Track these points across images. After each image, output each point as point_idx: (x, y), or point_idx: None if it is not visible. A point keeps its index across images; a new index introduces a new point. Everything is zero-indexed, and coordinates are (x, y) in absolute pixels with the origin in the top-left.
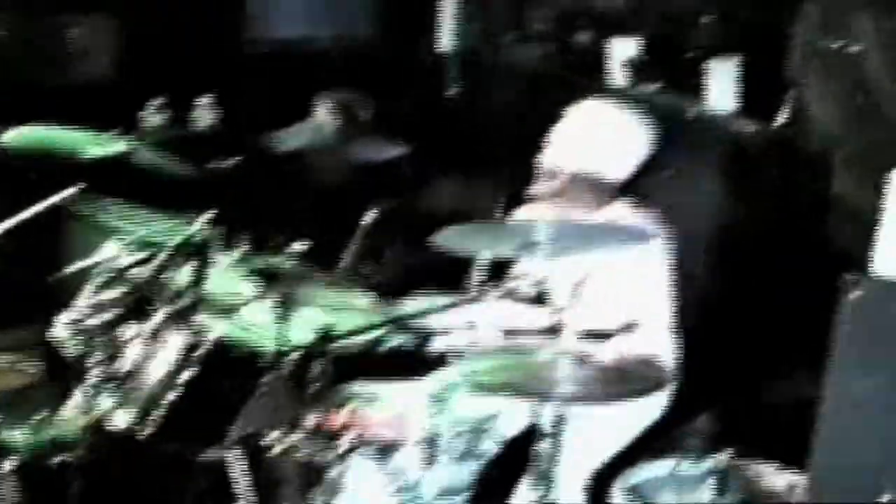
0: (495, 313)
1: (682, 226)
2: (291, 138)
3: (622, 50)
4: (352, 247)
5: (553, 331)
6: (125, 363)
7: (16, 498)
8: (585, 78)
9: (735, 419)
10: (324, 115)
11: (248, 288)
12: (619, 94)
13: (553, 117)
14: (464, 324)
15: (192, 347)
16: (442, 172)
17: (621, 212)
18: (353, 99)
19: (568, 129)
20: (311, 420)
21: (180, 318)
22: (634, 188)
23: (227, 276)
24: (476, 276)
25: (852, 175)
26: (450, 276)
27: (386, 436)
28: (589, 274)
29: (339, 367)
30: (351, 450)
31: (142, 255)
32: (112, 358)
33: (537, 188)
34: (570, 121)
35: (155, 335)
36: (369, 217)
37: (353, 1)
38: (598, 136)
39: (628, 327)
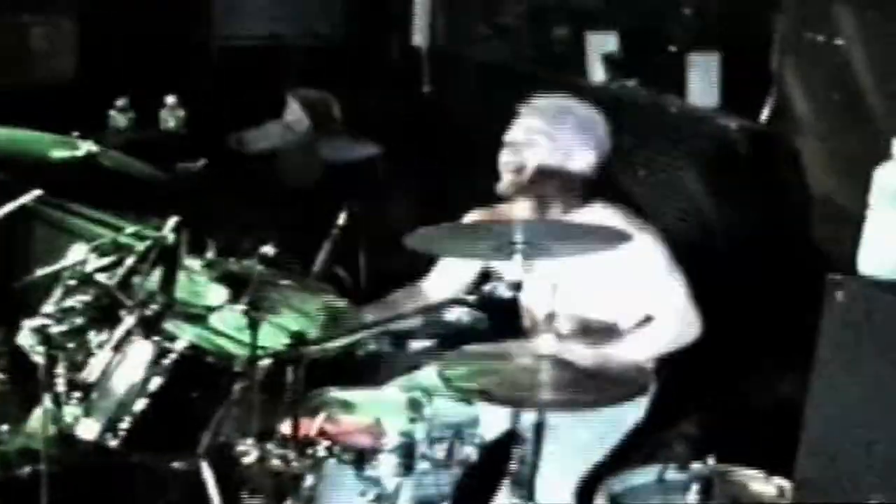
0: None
1: (662, 226)
2: (260, 139)
3: (599, 45)
4: (323, 250)
5: (532, 334)
6: (93, 371)
7: None
8: (562, 73)
9: (719, 424)
10: (294, 114)
11: (217, 293)
12: (597, 91)
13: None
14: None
15: (161, 354)
16: (416, 172)
17: (600, 213)
18: (323, 97)
19: (521, 123)
20: (284, 428)
21: (149, 324)
22: (612, 188)
23: (196, 281)
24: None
25: (837, 172)
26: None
27: (362, 443)
28: (568, 275)
29: (312, 373)
30: (326, 458)
31: (109, 259)
32: (79, 365)
33: (503, 185)
34: (522, 115)
35: (123, 342)
36: (341, 219)
37: None
38: (549, 127)
39: (609, 330)
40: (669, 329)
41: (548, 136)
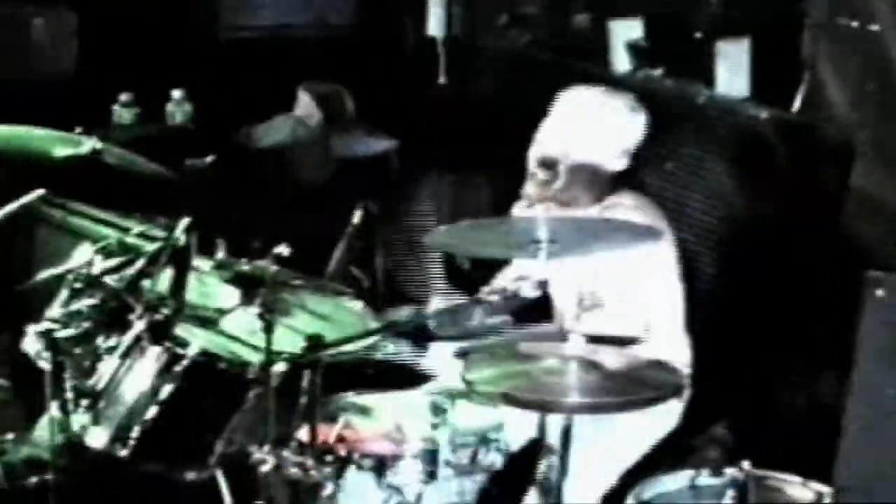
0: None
1: (691, 221)
2: (271, 134)
3: (623, 32)
4: (339, 249)
5: (559, 335)
6: (101, 377)
7: None
8: (584, 63)
9: (754, 427)
10: (305, 107)
11: (230, 296)
12: (620, 80)
13: (550, 106)
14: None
15: (171, 360)
16: (433, 167)
17: (625, 207)
18: (336, 90)
19: (558, 119)
20: (301, 435)
21: (159, 329)
22: (636, 181)
23: (206, 283)
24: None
25: (873, 164)
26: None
27: (383, 450)
28: (595, 274)
29: (330, 377)
30: (345, 465)
31: (117, 261)
32: (87, 372)
33: (531, 184)
34: (559, 111)
35: (132, 347)
36: (356, 217)
37: None
38: (590, 125)
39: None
40: (661, 345)
41: (583, 140)
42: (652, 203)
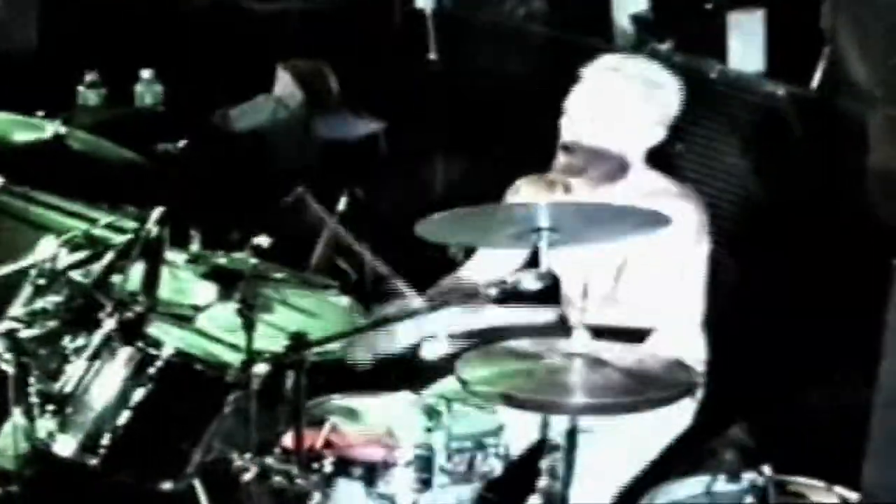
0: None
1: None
2: (249, 115)
3: (627, 3)
4: (323, 240)
5: (563, 330)
6: (69, 380)
7: None
8: (585, 38)
9: (775, 428)
10: (285, 87)
11: (205, 291)
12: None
13: (548, 83)
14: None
15: (144, 361)
16: (423, 150)
17: (669, 194)
18: (318, 68)
19: (585, 96)
20: (286, 441)
21: (130, 328)
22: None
23: (182, 278)
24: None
25: None
26: (436, 271)
27: (373, 456)
28: (603, 263)
29: (315, 378)
30: (333, 473)
31: (84, 254)
32: (53, 374)
33: (558, 167)
34: (585, 83)
35: (102, 348)
36: (342, 204)
37: None
38: (619, 100)
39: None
40: (674, 341)
41: (611, 112)
42: (680, 184)
